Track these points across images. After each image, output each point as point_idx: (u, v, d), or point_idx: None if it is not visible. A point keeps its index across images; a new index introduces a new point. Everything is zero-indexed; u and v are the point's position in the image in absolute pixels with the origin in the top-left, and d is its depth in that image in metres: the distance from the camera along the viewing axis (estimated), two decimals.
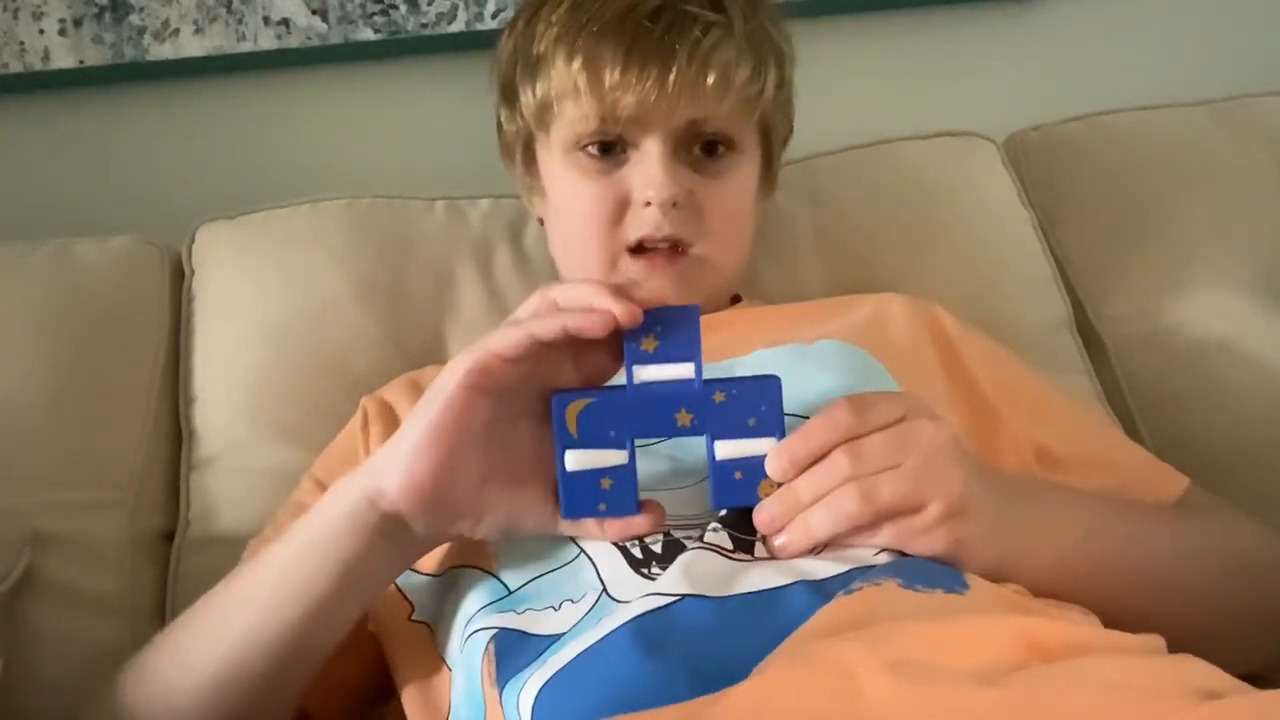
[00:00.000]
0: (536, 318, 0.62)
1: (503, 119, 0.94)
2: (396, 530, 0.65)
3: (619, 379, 0.64)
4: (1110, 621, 0.63)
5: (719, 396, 0.63)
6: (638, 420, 0.63)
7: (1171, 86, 1.21)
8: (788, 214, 1.08)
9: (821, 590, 0.60)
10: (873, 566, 0.62)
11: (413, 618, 0.72)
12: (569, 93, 0.84)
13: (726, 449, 0.63)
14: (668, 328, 0.62)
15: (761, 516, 0.64)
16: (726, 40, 0.83)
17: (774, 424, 0.63)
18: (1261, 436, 1.00)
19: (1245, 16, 1.34)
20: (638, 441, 0.65)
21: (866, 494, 0.61)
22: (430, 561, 0.73)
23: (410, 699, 0.71)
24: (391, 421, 0.87)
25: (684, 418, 0.63)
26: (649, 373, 0.63)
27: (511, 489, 0.65)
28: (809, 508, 0.63)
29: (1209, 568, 0.75)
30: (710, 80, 0.82)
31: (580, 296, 0.62)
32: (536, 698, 0.59)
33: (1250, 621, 0.76)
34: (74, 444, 0.96)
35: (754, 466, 0.64)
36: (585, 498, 0.64)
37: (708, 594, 0.60)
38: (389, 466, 0.64)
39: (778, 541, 0.64)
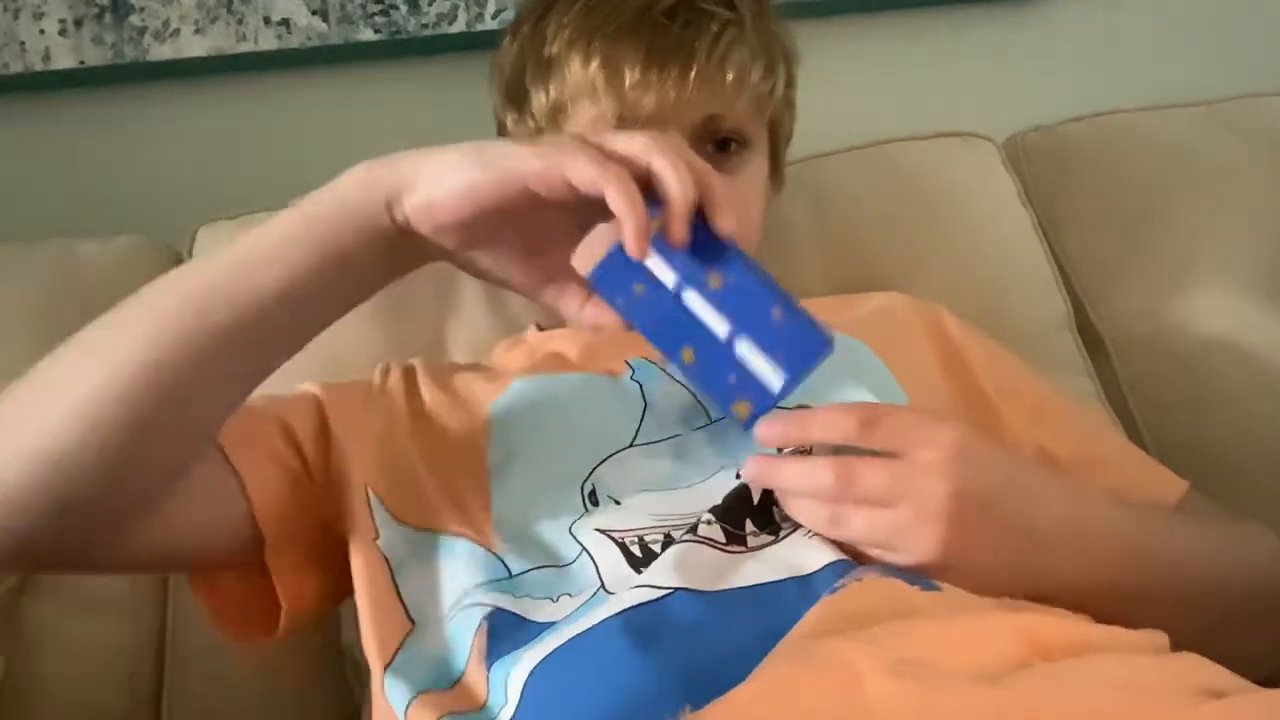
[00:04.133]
0: (618, 182, 0.58)
1: (509, 123, 0.93)
2: (400, 240, 0.64)
3: None
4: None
5: (777, 312, 0.62)
6: (663, 325, 0.62)
7: (1172, 87, 1.21)
8: (788, 214, 1.08)
9: (813, 586, 0.61)
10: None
11: (378, 543, 0.72)
12: (586, 93, 0.83)
13: (745, 349, 0.62)
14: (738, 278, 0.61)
15: (748, 470, 0.64)
16: (741, 38, 0.83)
17: (794, 366, 0.61)
18: (1263, 437, 1.00)
19: (1246, 17, 1.34)
20: (640, 442, 0.64)
21: (837, 520, 0.62)
22: (411, 513, 0.73)
23: (365, 624, 0.70)
24: (410, 380, 0.85)
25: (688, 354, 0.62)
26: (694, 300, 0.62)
27: (528, 255, 0.65)
28: (789, 492, 0.63)
29: (1232, 589, 0.74)
30: (729, 77, 0.82)
31: (675, 185, 0.59)
32: (528, 679, 0.59)
33: (1256, 636, 0.74)
34: None
35: (753, 386, 0.62)
36: (616, 281, 0.62)
37: (698, 588, 0.61)
38: (421, 182, 0.62)
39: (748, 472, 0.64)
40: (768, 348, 0.61)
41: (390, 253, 0.65)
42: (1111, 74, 1.31)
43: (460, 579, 0.68)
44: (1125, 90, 1.21)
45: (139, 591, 0.94)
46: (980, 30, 1.31)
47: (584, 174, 0.59)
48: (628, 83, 0.81)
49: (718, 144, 0.85)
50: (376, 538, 0.72)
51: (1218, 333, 1.05)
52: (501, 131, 0.95)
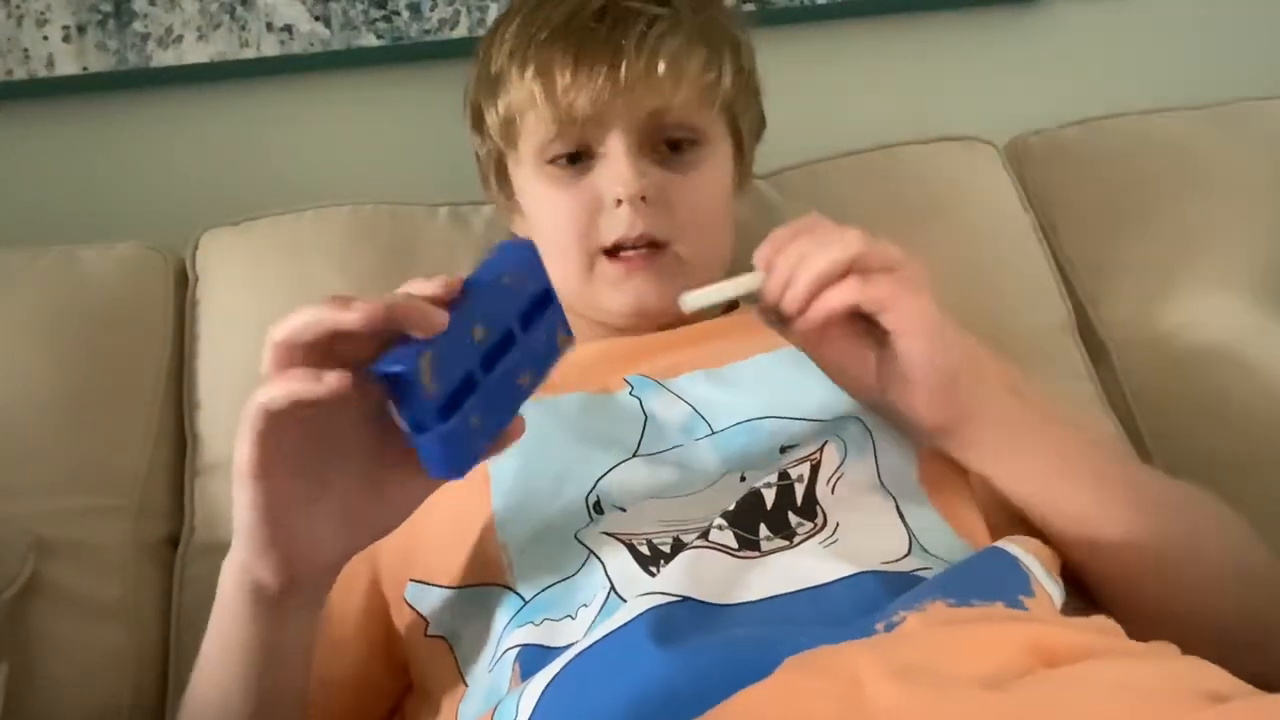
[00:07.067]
0: (284, 376, 0.58)
1: (476, 145, 0.93)
2: (264, 598, 0.64)
3: None
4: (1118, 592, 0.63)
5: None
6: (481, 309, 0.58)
7: (1172, 91, 1.21)
8: (789, 218, 1.08)
9: (827, 602, 0.60)
10: (906, 575, 0.61)
11: (429, 633, 0.72)
12: (528, 104, 0.84)
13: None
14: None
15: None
16: (674, 31, 0.83)
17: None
18: (1264, 440, 1.00)
19: (1245, 21, 1.34)
20: (643, 452, 0.63)
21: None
22: (445, 574, 0.72)
23: (421, 709, 0.71)
24: None
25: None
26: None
27: (364, 492, 0.62)
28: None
29: (1207, 537, 0.76)
30: (661, 69, 0.81)
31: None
32: (540, 698, 0.58)
33: (1236, 629, 0.74)
34: (78, 450, 0.96)
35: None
36: (466, 447, 0.58)
37: (708, 600, 0.60)
38: (242, 549, 0.62)
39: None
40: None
41: (272, 611, 0.65)
42: (1112, 78, 1.31)
43: (495, 628, 0.68)
44: (1125, 94, 1.21)
45: (142, 597, 0.94)
46: (981, 34, 1.31)
47: (274, 398, 0.58)
48: (560, 87, 0.81)
49: (670, 145, 0.84)
50: (427, 629, 0.72)
51: (1219, 335, 1.05)
52: (476, 157, 0.95)
